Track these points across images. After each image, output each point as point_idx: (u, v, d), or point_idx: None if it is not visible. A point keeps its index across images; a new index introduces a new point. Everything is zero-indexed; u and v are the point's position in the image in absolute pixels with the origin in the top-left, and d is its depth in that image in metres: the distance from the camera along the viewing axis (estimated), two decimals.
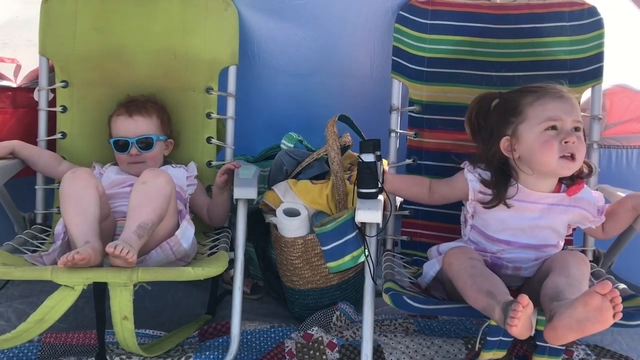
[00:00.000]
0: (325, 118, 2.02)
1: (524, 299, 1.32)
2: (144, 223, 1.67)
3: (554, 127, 1.59)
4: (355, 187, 1.70)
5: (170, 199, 1.77)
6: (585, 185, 1.68)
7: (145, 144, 1.98)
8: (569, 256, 1.58)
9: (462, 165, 1.77)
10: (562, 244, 1.72)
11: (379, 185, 1.67)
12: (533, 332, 1.42)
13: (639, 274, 1.70)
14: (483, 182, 1.69)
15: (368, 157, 1.68)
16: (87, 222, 1.65)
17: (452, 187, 1.77)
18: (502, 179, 1.66)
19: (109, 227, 1.80)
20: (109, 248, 1.55)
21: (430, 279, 1.71)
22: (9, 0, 3.06)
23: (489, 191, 1.67)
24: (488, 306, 1.40)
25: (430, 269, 1.71)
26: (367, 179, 1.67)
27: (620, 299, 1.29)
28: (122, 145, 1.97)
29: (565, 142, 1.56)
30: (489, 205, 1.66)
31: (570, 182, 1.66)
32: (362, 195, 1.68)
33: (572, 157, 1.58)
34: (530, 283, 1.64)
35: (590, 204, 1.68)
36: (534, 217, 1.65)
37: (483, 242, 1.70)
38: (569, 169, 1.61)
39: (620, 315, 1.29)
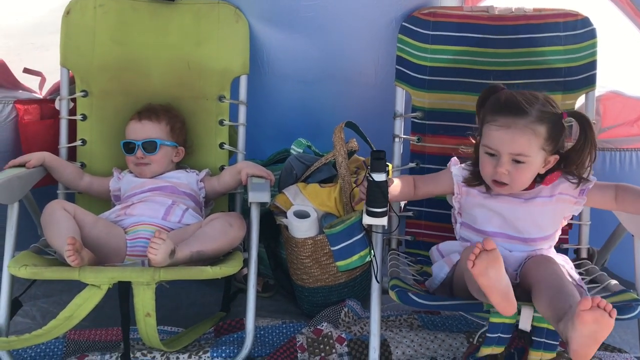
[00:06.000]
0: (331, 123, 2.08)
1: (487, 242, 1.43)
2: (202, 252, 1.79)
3: (492, 154, 1.66)
4: (364, 205, 1.65)
5: (232, 246, 1.90)
6: (561, 174, 1.71)
7: (150, 147, 2.05)
8: (536, 268, 1.62)
9: (450, 163, 1.83)
10: (552, 241, 1.76)
11: (387, 205, 1.63)
12: (529, 328, 1.52)
13: (630, 270, 1.77)
14: (466, 175, 1.77)
15: (379, 177, 1.59)
16: (61, 235, 1.75)
17: (437, 182, 1.84)
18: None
19: (111, 235, 1.90)
20: (159, 234, 1.67)
21: (440, 281, 1.75)
22: None
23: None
24: None
25: (440, 270, 1.75)
26: (378, 199, 1.61)
27: (605, 302, 1.36)
28: (130, 148, 2.06)
29: (497, 171, 1.64)
30: (472, 183, 1.74)
31: (540, 179, 1.71)
32: (370, 214, 1.62)
33: (503, 182, 1.66)
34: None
35: (569, 186, 1.71)
36: (515, 209, 1.71)
37: (473, 238, 1.76)
38: (501, 190, 1.69)
39: (615, 311, 1.36)
